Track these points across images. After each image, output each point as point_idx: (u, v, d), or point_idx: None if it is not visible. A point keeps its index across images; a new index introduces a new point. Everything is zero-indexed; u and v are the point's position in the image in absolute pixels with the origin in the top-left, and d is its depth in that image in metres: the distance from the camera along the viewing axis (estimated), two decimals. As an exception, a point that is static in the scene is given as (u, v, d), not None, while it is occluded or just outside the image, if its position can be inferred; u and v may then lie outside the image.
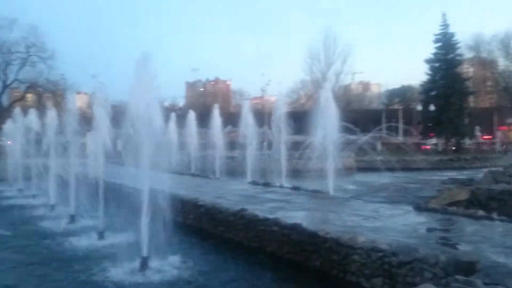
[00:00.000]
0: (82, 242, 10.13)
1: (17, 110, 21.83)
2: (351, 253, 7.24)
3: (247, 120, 20.92)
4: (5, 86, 52.53)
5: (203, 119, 27.65)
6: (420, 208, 10.80)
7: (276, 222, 9.13)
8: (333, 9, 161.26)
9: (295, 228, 8.54)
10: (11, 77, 52.37)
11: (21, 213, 14.49)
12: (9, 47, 51.03)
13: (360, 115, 53.86)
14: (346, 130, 15.76)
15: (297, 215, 9.91)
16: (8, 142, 49.92)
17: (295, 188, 15.03)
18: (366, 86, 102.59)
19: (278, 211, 10.47)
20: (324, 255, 7.76)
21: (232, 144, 27.19)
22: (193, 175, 21.80)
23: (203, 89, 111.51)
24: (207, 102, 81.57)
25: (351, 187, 18.43)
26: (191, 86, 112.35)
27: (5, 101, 54.07)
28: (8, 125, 21.35)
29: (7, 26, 50.14)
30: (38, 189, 17.31)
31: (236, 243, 10.06)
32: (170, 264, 8.12)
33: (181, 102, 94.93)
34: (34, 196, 16.95)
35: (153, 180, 8.17)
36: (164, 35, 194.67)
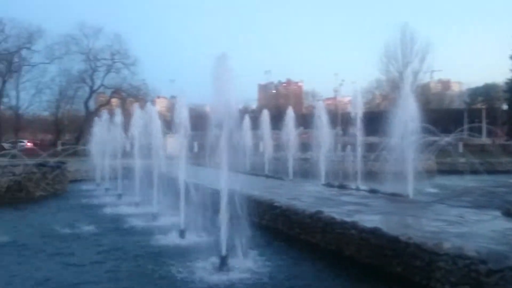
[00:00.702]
0: (164, 240, 10.54)
1: (103, 114, 23.23)
2: (435, 260, 6.92)
3: (320, 121, 20.69)
4: (92, 91, 56.54)
5: (275, 121, 27.80)
6: (509, 214, 10.09)
7: (354, 225, 8.97)
8: (410, 5, 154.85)
9: (375, 232, 8.32)
10: (97, 82, 56.48)
11: (107, 210, 15.39)
12: (96, 55, 55.13)
13: (440, 115, 51.56)
14: (425, 131, 15.15)
15: (376, 219, 9.65)
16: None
17: (372, 191, 14.60)
18: (446, 84, 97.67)
19: (356, 214, 10.26)
20: (406, 261, 7.49)
21: (304, 146, 27.08)
22: (266, 176, 22.01)
23: (275, 91, 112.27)
24: (279, 104, 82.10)
25: (432, 190, 17.61)
26: (263, 88, 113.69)
27: (92, 105, 58.10)
28: (95, 128, 22.79)
29: (93, 34, 54.36)
30: (123, 189, 18.28)
31: (312, 245, 10.01)
32: (248, 264, 8.23)
33: (253, 105, 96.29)
34: (119, 195, 17.95)
35: (230, 181, 8.33)
36: (236, 38, 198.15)
